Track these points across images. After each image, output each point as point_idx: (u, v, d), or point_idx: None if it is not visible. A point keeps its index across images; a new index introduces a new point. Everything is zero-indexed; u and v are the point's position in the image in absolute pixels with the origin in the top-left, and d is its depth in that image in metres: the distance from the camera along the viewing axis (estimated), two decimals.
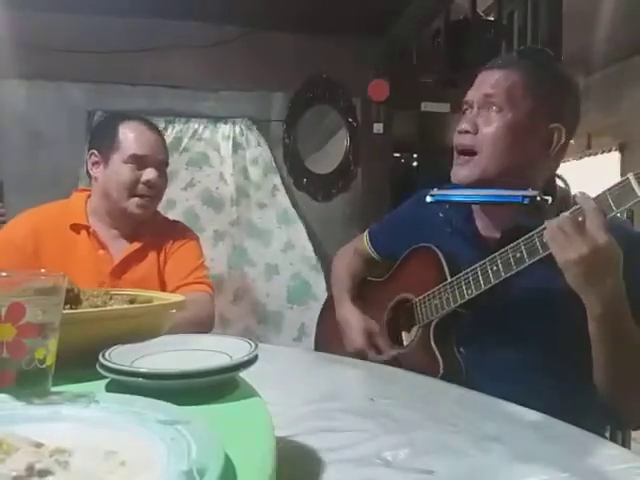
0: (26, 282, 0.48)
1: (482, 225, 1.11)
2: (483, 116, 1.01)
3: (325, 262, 2.93)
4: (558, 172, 1.08)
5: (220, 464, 0.34)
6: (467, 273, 1.03)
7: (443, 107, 3.04)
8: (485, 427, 0.76)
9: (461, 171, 1.03)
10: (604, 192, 0.82)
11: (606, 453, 0.68)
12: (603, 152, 4.27)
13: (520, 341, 1.00)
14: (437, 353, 1.07)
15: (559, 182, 1.06)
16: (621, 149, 4.10)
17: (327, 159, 3.09)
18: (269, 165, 2.98)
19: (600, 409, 0.99)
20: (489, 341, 1.03)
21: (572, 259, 0.81)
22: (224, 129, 2.93)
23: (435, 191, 1.06)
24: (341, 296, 1.36)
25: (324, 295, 2.86)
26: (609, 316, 0.84)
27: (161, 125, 2.85)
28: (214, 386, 0.52)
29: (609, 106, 4.03)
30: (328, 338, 1.43)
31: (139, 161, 1.43)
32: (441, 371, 1.04)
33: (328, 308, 1.47)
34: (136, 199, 1.43)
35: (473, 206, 1.12)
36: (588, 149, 4.51)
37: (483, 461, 0.65)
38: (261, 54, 2.91)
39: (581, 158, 4.56)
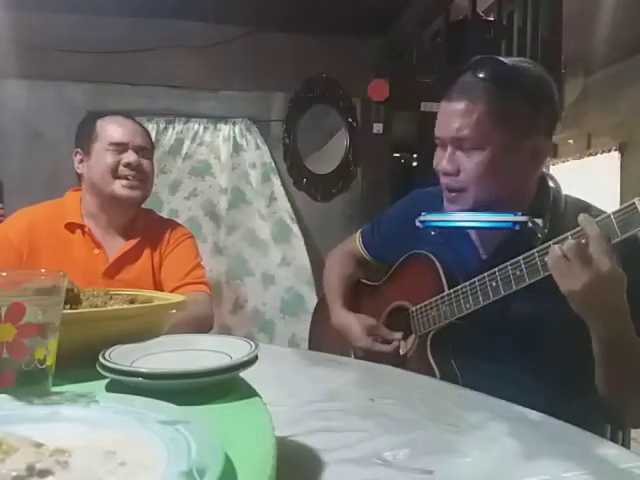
0: (26, 282, 0.48)
1: (477, 237, 1.11)
2: (460, 156, 0.98)
3: (321, 269, 2.94)
4: (549, 172, 1.08)
5: (220, 464, 0.34)
6: (465, 287, 1.01)
7: None
8: (485, 427, 0.76)
9: (453, 206, 1.02)
10: (608, 215, 0.80)
11: (606, 453, 0.68)
12: (603, 152, 4.27)
13: (517, 352, 0.98)
14: (433, 364, 1.06)
15: (550, 183, 1.06)
16: (621, 149, 4.10)
17: (327, 159, 3.09)
18: (268, 171, 2.96)
19: (599, 410, 0.99)
20: (485, 352, 1.01)
21: (575, 289, 0.79)
22: (224, 131, 2.93)
23: (425, 216, 1.04)
24: (334, 302, 1.34)
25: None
26: (614, 339, 0.84)
27: (161, 125, 2.86)
28: (214, 386, 0.52)
29: (609, 106, 4.03)
30: (323, 338, 1.44)
31: (118, 147, 1.45)
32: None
33: (321, 310, 1.47)
34: (121, 181, 1.44)
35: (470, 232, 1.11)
36: (588, 149, 4.51)
37: (483, 461, 0.65)
38: (261, 54, 2.91)
39: (581, 158, 4.57)
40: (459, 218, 1.00)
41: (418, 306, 1.12)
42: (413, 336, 1.16)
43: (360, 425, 0.75)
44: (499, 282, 0.94)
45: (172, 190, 2.88)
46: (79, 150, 1.49)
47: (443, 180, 1.02)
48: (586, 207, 1.00)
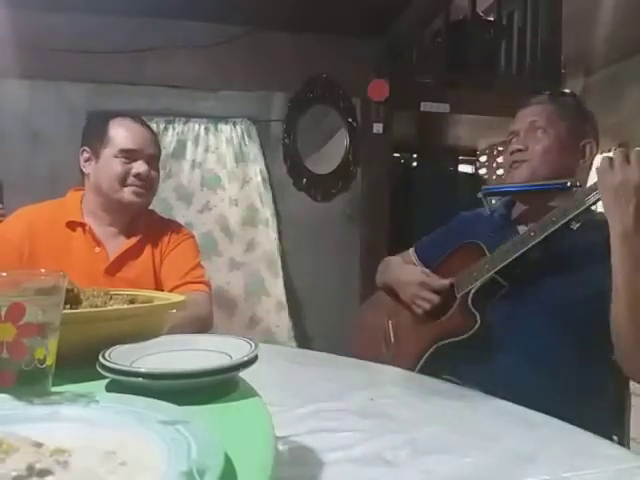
0: (26, 282, 0.48)
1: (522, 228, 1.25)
2: (530, 138, 1.24)
3: (321, 269, 2.96)
4: None
5: (220, 464, 0.34)
6: (507, 244, 1.16)
7: (443, 107, 3.04)
8: (485, 427, 0.77)
9: (515, 172, 1.25)
10: None
11: (606, 453, 0.68)
12: (603, 152, 4.27)
13: (552, 317, 1.11)
14: (474, 310, 1.18)
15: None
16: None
17: (327, 159, 3.09)
18: (265, 180, 2.96)
19: (610, 416, 1.09)
20: (521, 313, 1.15)
21: (615, 183, 0.98)
22: (226, 133, 2.92)
23: (486, 186, 1.31)
24: (396, 261, 1.49)
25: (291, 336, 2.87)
26: (633, 235, 0.97)
27: (161, 125, 2.85)
28: (214, 386, 0.52)
29: (609, 106, 4.02)
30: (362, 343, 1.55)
31: (129, 155, 1.43)
32: (477, 323, 1.14)
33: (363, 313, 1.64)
34: (131, 187, 1.44)
35: (514, 215, 1.31)
36: None
37: (483, 461, 0.65)
38: (261, 54, 2.91)
39: None
40: (517, 185, 1.25)
41: (462, 273, 1.25)
42: (454, 301, 1.26)
43: (360, 425, 0.75)
44: (537, 231, 1.11)
45: (183, 200, 2.88)
46: (86, 149, 1.47)
47: (512, 157, 1.27)
48: None
